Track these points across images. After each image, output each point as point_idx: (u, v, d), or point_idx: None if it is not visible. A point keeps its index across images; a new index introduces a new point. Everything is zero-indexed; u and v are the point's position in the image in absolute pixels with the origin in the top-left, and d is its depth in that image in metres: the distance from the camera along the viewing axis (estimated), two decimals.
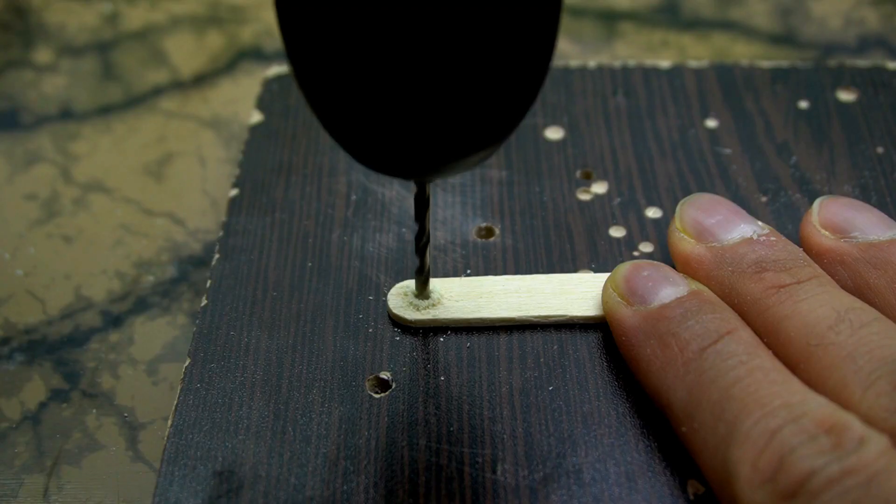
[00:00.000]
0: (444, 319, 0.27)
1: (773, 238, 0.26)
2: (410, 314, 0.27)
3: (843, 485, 0.19)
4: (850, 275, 0.25)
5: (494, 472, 0.24)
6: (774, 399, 0.21)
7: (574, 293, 0.28)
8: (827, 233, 0.26)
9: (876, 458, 0.20)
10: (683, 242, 0.26)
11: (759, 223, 0.26)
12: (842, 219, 0.26)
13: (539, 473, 0.24)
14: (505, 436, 0.25)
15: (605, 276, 0.27)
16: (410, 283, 0.28)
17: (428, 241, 0.26)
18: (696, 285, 0.25)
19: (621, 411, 0.25)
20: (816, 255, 0.26)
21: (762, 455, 0.20)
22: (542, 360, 0.27)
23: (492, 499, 0.24)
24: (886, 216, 0.26)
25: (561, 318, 0.27)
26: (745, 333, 0.23)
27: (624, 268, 0.26)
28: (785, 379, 0.22)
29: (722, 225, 0.26)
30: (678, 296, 0.25)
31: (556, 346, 0.27)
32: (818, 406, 0.21)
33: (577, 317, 0.27)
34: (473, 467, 0.24)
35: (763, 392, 0.21)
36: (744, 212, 0.27)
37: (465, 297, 0.28)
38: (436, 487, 0.24)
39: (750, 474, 0.20)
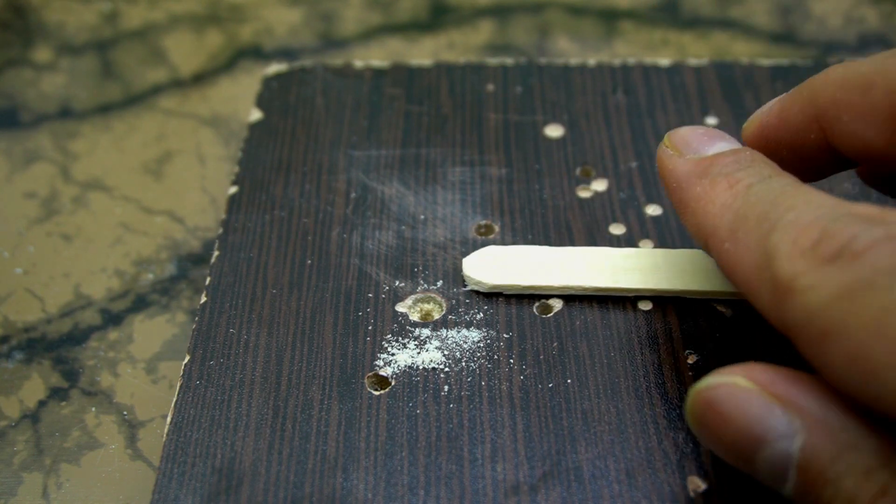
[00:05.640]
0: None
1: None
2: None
3: (887, 246, 0.19)
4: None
5: (494, 469, 0.24)
6: (823, 200, 0.21)
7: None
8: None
9: None
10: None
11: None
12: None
13: (539, 471, 0.24)
14: (504, 433, 0.25)
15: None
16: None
17: None
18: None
19: (621, 408, 0.25)
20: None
21: (804, 231, 0.20)
22: (541, 357, 0.27)
23: (492, 496, 0.24)
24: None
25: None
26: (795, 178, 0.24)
27: (681, 128, 0.26)
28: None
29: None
30: (732, 148, 0.25)
31: (555, 343, 0.27)
32: (864, 206, 0.21)
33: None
34: (473, 465, 0.24)
35: (811, 196, 0.22)
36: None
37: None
38: (435, 485, 0.24)
39: (790, 248, 0.20)
